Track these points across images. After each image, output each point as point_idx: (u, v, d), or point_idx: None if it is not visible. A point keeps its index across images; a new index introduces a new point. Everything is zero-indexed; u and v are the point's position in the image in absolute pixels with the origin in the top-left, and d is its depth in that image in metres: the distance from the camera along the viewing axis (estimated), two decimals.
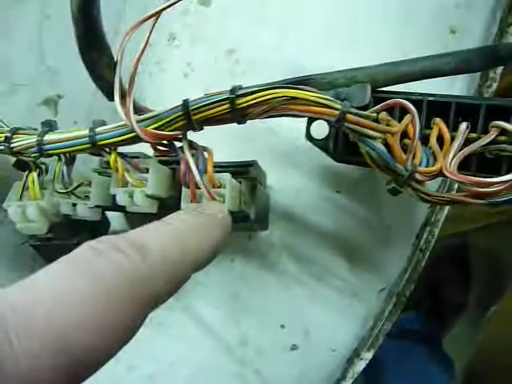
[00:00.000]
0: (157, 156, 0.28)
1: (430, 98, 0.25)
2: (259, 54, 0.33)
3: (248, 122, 0.25)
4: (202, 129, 0.25)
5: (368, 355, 0.38)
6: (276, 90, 0.23)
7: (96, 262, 0.17)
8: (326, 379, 0.36)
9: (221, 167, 0.29)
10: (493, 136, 0.23)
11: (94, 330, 0.16)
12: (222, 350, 0.34)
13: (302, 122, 0.29)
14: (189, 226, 0.21)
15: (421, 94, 0.25)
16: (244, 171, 0.29)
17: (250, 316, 0.34)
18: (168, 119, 0.24)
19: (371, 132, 0.21)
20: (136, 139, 0.24)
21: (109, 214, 0.32)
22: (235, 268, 0.34)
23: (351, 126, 0.21)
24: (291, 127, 0.31)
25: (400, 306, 0.38)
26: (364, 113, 0.22)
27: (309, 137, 0.28)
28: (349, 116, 0.21)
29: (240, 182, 0.27)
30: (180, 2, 0.24)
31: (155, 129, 0.24)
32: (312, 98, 0.21)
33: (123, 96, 0.24)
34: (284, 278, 0.34)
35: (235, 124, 0.25)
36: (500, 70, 0.40)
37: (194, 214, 0.23)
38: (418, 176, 0.23)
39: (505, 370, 0.77)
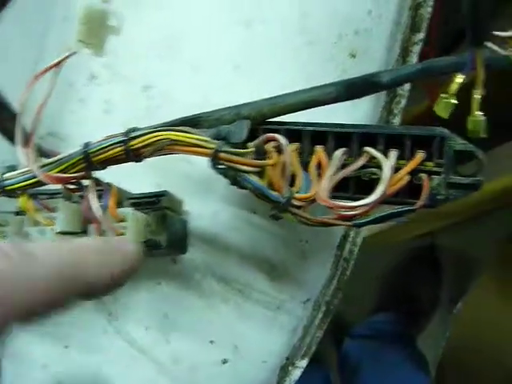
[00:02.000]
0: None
1: (309, 128, 0.27)
2: (173, 89, 0.35)
3: None
4: (104, 168, 0.28)
5: (303, 363, 0.40)
6: (161, 133, 0.25)
7: None
8: None
9: (134, 199, 0.31)
10: (361, 162, 0.25)
11: None
12: (157, 368, 0.36)
13: None
14: (90, 247, 0.22)
15: (304, 124, 0.27)
16: (155, 201, 0.31)
17: (179, 334, 0.36)
18: (70, 162, 0.26)
19: (244, 167, 0.24)
20: (40, 183, 0.26)
21: None
22: (162, 290, 0.36)
23: (225, 163, 0.24)
24: None
25: (330, 314, 0.40)
26: (237, 150, 0.24)
27: (212, 166, 0.30)
28: (221, 155, 0.23)
29: (147, 213, 0.29)
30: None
31: (60, 171, 0.26)
32: (189, 140, 0.24)
33: (27, 143, 0.26)
34: (209, 296, 0.36)
35: None
36: (408, 86, 0.42)
37: (100, 239, 0.24)
38: (295, 202, 0.25)
39: (472, 366, 0.80)
